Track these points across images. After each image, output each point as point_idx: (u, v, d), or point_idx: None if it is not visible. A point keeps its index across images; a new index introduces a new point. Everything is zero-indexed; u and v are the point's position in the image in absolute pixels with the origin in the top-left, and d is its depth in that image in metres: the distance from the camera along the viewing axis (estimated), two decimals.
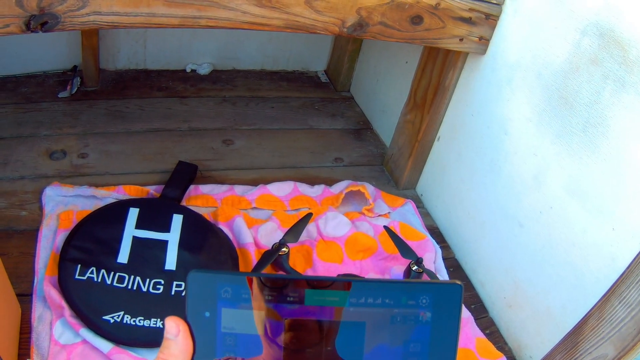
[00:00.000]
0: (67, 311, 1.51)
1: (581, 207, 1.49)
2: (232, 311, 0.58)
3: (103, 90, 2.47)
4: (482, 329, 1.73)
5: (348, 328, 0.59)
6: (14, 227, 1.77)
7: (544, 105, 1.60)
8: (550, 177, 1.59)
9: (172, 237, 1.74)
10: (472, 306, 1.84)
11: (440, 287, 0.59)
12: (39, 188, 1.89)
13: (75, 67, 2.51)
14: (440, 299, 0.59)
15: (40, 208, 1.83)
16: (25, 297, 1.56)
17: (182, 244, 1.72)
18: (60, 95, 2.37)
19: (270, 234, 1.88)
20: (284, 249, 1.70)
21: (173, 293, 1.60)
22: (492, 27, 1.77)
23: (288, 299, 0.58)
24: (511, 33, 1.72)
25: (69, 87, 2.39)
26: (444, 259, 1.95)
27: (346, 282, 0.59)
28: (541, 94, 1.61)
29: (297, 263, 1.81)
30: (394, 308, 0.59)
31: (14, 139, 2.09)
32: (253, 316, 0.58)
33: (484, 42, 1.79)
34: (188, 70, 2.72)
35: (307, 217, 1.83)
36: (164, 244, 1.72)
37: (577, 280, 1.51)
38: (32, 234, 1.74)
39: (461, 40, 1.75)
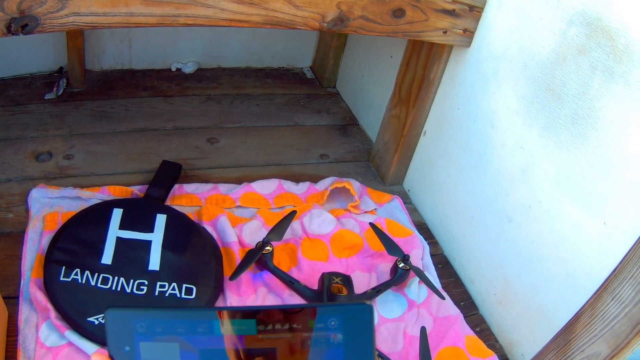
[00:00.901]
0: (53, 313, 1.50)
1: (571, 201, 1.45)
2: (150, 344, 0.59)
3: (89, 91, 2.46)
4: (472, 327, 1.70)
5: (260, 355, 0.60)
6: (0, 229, 1.77)
7: (531, 97, 1.56)
8: (538, 170, 1.56)
9: (156, 237, 1.73)
10: (462, 303, 1.81)
11: (348, 309, 0.60)
12: (25, 190, 1.89)
13: (61, 68, 2.50)
14: (349, 320, 0.60)
15: (27, 210, 1.82)
16: (12, 299, 1.55)
17: (166, 244, 1.71)
18: (47, 96, 2.36)
19: (254, 232, 1.86)
20: (267, 248, 1.68)
21: (157, 294, 1.60)
22: (477, 19, 1.73)
23: (198, 329, 0.59)
24: (496, 25, 1.68)
25: (55, 89, 2.38)
26: (433, 255, 1.93)
27: (251, 311, 0.60)
28: (528, 86, 1.57)
29: (281, 261, 1.79)
30: (303, 332, 0.59)
31: (1, 142, 2.08)
32: (169, 348, 0.59)
33: (468, 34, 1.75)
34: (173, 69, 2.69)
35: (291, 215, 1.82)
36: (147, 244, 1.71)
37: (568, 277, 1.47)
38: (18, 236, 1.74)
39: (445, 32, 1.72)
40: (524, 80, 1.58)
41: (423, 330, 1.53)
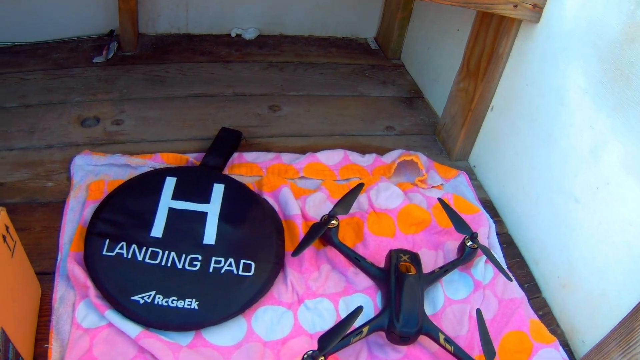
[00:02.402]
0: (92, 291, 1.46)
1: (639, 184, 1.46)
2: None
3: (142, 55, 2.48)
4: (535, 310, 1.70)
5: None
6: (38, 199, 1.76)
7: (600, 76, 1.56)
8: (607, 151, 1.57)
9: (212, 208, 1.71)
10: (526, 285, 1.81)
11: None
12: (68, 157, 1.88)
13: (112, 31, 2.53)
14: None
15: (69, 178, 1.81)
16: (47, 275, 1.52)
17: (223, 216, 1.69)
18: (95, 60, 2.38)
19: (319, 205, 1.86)
20: (333, 222, 1.67)
21: (211, 270, 1.56)
22: None
23: None
24: (565, 1, 1.68)
25: (104, 52, 2.41)
26: (498, 234, 1.93)
27: None
28: (597, 65, 1.58)
29: (346, 237, 1.79)
30: None
31: (42, 106, 2.08)
32: None
33: (537, 9, 1.76)
34: (233, 35, 2.73)
35: (359, 188, 1.80)
36: (203, 215, 1.68)
37: (634, 263, 1.48)
38: (57, 207, 1.72)
39: (515, 6, 1.74)
40: (593, 58, 1.59)
41: (479, 312, 1.51)
